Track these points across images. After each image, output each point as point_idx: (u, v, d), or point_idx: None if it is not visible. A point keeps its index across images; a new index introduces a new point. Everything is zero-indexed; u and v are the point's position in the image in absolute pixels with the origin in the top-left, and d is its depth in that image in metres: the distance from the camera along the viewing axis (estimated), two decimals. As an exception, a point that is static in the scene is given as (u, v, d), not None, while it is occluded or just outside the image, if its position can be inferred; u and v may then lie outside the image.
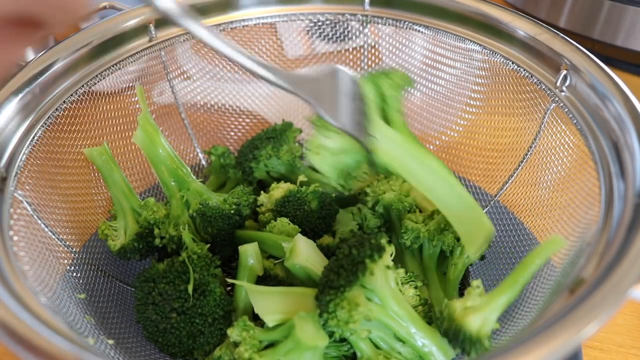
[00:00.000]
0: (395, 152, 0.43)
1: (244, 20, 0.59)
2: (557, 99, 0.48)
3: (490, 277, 0.51)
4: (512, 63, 0.52)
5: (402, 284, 0.44)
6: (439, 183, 0.42)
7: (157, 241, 0.49)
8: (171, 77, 0.60)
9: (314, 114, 0.41)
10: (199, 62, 0.62)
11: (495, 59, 0.53)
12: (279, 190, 0.53)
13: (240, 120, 0.67)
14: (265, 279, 0.49)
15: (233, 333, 0.39)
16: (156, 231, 0.49)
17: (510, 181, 0.55)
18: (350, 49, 0.64)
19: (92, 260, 0.50)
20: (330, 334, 0.38)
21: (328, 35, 0.63)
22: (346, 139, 0.42)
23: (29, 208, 0.44)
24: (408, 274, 0.47)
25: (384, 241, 0.39)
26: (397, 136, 0.43)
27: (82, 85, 0.50)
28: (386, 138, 0.42)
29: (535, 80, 0.50)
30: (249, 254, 0.47)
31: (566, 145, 0.48)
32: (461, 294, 0.49)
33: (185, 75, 0.62)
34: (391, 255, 0.39)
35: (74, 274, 0.47)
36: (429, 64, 0.60)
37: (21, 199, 0.43)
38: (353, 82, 0.42)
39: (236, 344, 0.39)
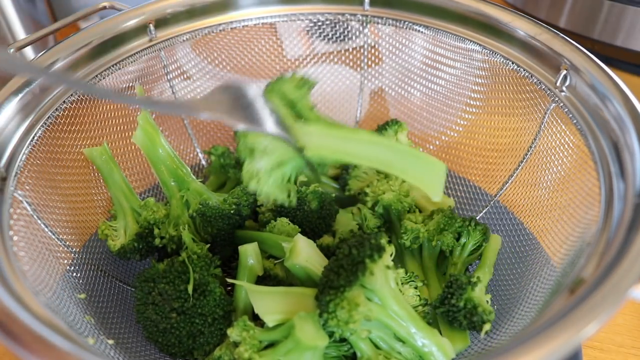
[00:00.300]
0: (323, 143, 0.42)
1: (244, 20, 0.59)
2: (557, 99, 0.48)
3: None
4: (512, 63, 0.52)
5: (402, 284, 0.45)
6: (375, 149, 0.42)
7: (157, 241, 0.49)
8: (171, 77, 0.60)
9: (237, 141, 0.41)
10: (199, 62, 0.62)
11: (495, 59, 0.53)
12: (279, 190, 0.53)
13: (240, 120, 0.67)
14: (265, 279, 0.49)
15: (233, 333, 0.39)
16: (156, 231, 0.49)
17: (510, 181, 0.55)
18: (350, 49, 0.64)
19: (92, 260, 0.50)
20: (330, 334, 0.38)
21: (328, 35, 0.63)
22: (276, 154, 0.42)
23: (29, 208, 0.44)
24: (408, 274, 0.47)
25: (384, 241, 0.39)
26: (318, 128, 0.44)
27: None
28: (309, 135, 0.42)
29: (535, 80, 0.50)
30: (249, 254, 0.47)
31: (566, 145, 0.48)
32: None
33: (185, 75, 0.62)
34: (391, 255, 0.40)
35: (74, 274, 0.47)
36: (429, 64, 0.60)
37: (21, 199, 0.43)
38: (259, 94, 0.41)
39: (236, 344, 0.39)
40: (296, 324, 0.37)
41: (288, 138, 0.40)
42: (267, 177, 0.43)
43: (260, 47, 0.64)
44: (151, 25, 0.55)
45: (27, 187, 0.44)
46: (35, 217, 0.44)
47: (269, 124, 0.39)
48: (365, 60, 0.64)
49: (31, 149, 0.45)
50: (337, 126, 0.45)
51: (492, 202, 0.57)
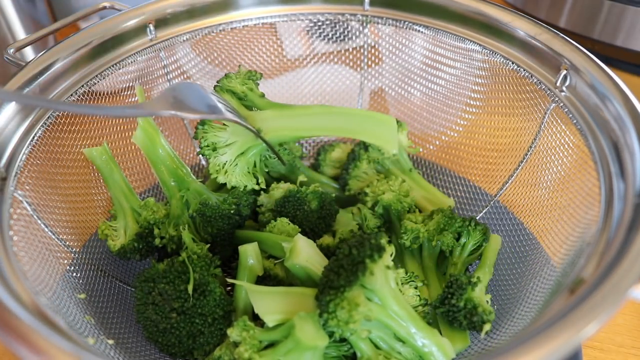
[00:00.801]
0: (279, 124, 0.44)
1: (244, 20, 0.59)
2: (557, 99, 0.48)
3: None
4: (512, 63, 0.52)
5: (402, 284, 0.45)
6: (327, 118, 0.44)
7: (157, 241, 0.49)
8: (171, 77, 0.60)
9: (199, 143, 0.44)
10: (199, 62, 0.62)
11: (495, 59, 0.53)
12: (279, 190, 0.53)
13: (240, 120, 0.67)
14: (265, 279, 0.49)
15: (233, 333, 0.39)
16: (156, 231, 0.49)
17: (510, 181, 0.55)
18: (350, 49, 0.64)
19: (92, 260, 0.50)
20: (330, 334, 0.38)
21: (328, 35, 0.63)
22: (237, 144, 0.44)
23: (29, 208, 0.44)
24: (408, 274, 0.47)
25: (384, 241, 0.39)
26: (272, 112, 0.45)
27: (82, 85, 0.50)
28: (265, 120, 0.44)
29: (535, 80, 0.50)
30: (249, 254, 0.47)
31: (566, 145, 0.48)
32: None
33: (185, 75, 0.62)
34: (391, 255, 0.40)
35: (74, 274, 0.47)
36: (429, 64, 0.60)
37: (21, 199, 0.43)
38: (211, 91, 0.42)
39: (236, 344, 0.39)
40: (296, 324, 0.37)
41: (246, 123, 0.41)
42: (234, 167, 0.45)
43: (260, 47, 0.64)
44: (151, 25, 0.55)
45: (27, 187, 0.44)
46: (35, 217, 0.44)
47: (226, 112, 0.40)
48: (365, 60, 0.64)
49: (31, 149, 0.45)
50: (289, 106, 0.47)
51: (492, 202, 0.57)
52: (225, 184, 0.61)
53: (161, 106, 0.37)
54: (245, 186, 0.47)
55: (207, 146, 0.46)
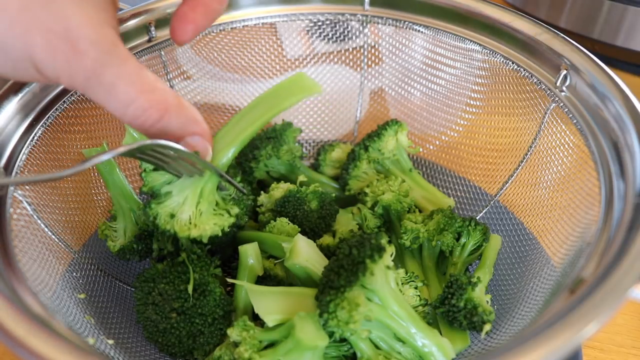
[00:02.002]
0: (218, 145, 0.44)
1: (244, 20, 0.59)
2: (557, 99, 0.48)
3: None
4: (512, 63, 0.52)
5: (402, 284, 0.45)
6: (247, 115, 0.44)
7: (155, 253, 0.49)
8: (171, 77, 0.60)
9: (156, 224, 0.42)
10: (199, 62, 0.62)
11: (495, 59, 0.53)
12: (279, 190, 0.53)
13: (240, 120, 0.67)
14: (265, 279, 0.49)
15: (233, 333, 0.39)
16: (155, 245, 0.49)
17: (510, 181, 0.55)
18: (350, 49, 0.64)
19: (92, 260, 0.50)
20: (331, 334, 0.38)
21: (328, 35, 0.63)
22: (189, 193, 0.43)
23: (29, 208, 0.44)
24: (408, 274, 0.47)
25: (384, 241, 0.39)
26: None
27: (82, 85, 0.50)
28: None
29: (535, 80, 0.50)
30: (249, 254, 0.47)
31: (566, 145, 0.48)
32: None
33: (185, 75, 0.62)
34: (391, 255, 0.40)
35: (74, 274, 0.47)
36: (429, 64, 0.60)
37: (21, 199, 0.43)
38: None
39: (236, 344, 0.39)
40: (296, 324, 0.37)
41: (190, 154, 0.39)
42: (199, 218, 0.43)
43: (260, 47, 0.64)
44: (151, 25, 0.55)
45: (27, 187, 0.44)
46: (35, 217, 0.44)
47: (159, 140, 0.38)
48: (365, 60, 0.64)
49: (31, 149, 0.45)
50: (222, 132, 0.46)
51: (492, 202, 0.57)
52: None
53: (101, 154, 0.36)
54: (222, 229, 0.43)
55: (166, 221, 0.42)
